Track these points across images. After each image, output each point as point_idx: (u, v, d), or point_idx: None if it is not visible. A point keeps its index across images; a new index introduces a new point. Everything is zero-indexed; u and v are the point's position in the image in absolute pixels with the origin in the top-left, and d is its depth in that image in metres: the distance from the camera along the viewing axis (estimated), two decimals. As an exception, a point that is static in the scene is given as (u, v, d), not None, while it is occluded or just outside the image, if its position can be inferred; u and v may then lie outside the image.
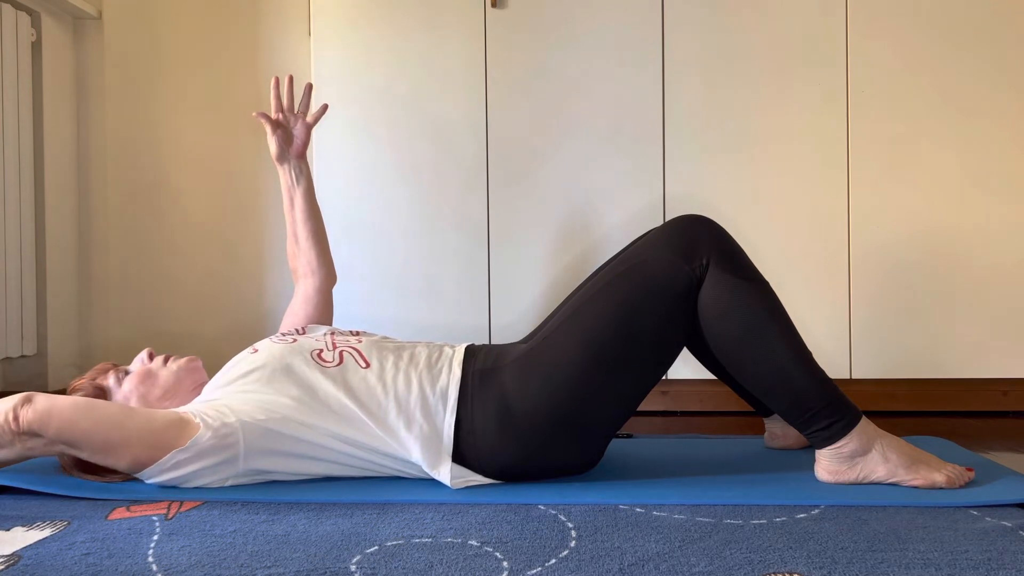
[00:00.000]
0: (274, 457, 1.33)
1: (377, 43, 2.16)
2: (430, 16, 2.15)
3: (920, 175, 2.08)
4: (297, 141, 1.67)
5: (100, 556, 1.04)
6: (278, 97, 1.66)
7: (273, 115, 1.65)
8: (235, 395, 1.34)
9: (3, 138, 2.21)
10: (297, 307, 1.71)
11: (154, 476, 1.30)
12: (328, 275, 1.74)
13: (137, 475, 1.31)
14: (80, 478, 1.38)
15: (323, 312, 1.71)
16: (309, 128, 1.68)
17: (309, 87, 1.68)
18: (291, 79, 1.66)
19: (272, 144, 1.65)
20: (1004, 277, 2.07)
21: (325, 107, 1.71)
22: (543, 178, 2.13)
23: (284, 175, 1.70)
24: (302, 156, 1.69)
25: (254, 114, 1.63)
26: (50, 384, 2.40)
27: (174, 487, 1.31)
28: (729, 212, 2.06)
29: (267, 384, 1.34)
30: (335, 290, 2.16)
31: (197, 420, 1.29)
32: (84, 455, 1.29)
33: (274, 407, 1.32)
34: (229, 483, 1.34)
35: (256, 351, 1.41)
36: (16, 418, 1.26)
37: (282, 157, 1.67)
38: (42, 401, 1.27)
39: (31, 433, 1.26)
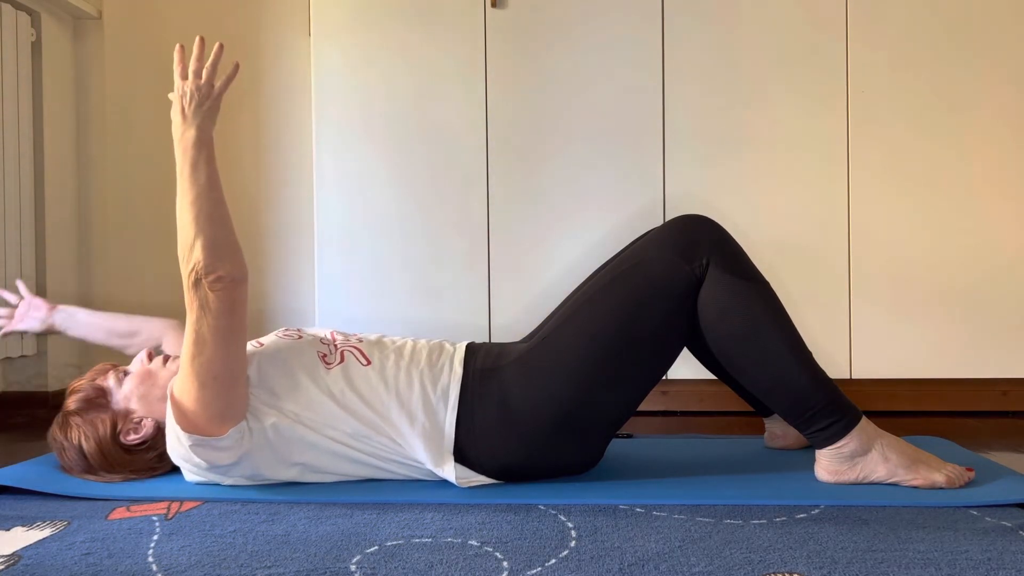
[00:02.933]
0: (279, 466, 1.33)
1: (377, 43, 2.16)
2: (430, 16, 2.15)
3: (920, 175, 2.08)
4: (36, 325, 1.69)
5: (100, 556, 1.04)
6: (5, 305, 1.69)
7: (15, 326, 1.69)
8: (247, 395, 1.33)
9: (3, 138, 2.21)
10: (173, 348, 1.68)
11: (192, 431, 1.28)
12: (167, 321, 1.72)
13: (184, 421, 1.28)
14: (80, 478, 1.38)
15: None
16: (44, 309, 1.69)
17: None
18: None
19: (32, 328, 1.68)
20: (1004, 277, 2.07)
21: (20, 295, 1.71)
22: (543, 178, 2.13)
23: (60, 324, 1.70)
24: (51, 309, 1.69)
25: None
26: (50, 384, 2.40)
27: (187, 464, 1.33)
28: (729, 212, 2.06)
29: (276, 380, 1.34)
30: (335, 290, 2.16)
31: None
32: (200, 350, 1.25)
33: (283, 408, 1.32)
34: (229, 482, 1.34)
35: (262, 344, 1.41)
36: (210, 274, 1.23)
37: (50, 325, 1.69)
38: (240, 295, 1.25)
39: (205, 291, 1.23)
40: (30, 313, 1.70)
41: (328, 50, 2.17)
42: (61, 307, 1.72)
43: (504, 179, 2.14)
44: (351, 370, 1.36)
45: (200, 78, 1.30)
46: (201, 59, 1.31)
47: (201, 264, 1.23)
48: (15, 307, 1.72)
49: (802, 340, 1.36)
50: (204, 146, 1.28)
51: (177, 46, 1.32)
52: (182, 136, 1.28)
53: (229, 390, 1.27)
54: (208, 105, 1.29)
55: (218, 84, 1.31)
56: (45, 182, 2.39)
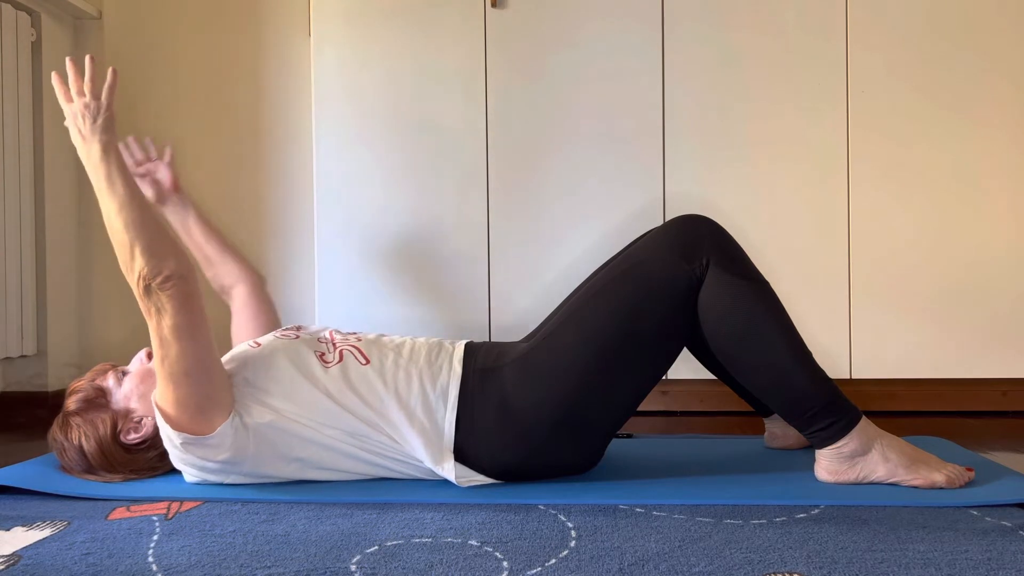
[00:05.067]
0: (279, 462, 1.33)
1: (377, 43, 2.16)
2: (430, 16, 2.15)
3: (919, 175, 2.08)
4: (165, 180, 1.74)
5: (100, 556, 1.04)
6: (131, 156, 1.74)
7: (136, 172, 1.72)
8: (242, 394, 1.33)
9: (3, 138, 2.21)
10: (241, 318, 1.72)
11: (182, 427, 1.28)
12: (253, 276, 1.76)
13: (170, 421, 1.29)
14: (80, 478, 1.38)
15: (268, 312, 1.73)
16: (169, 166, 1.75)
17: (149, 139, 1.78)
18: (134, 139, 1.76)
19: (148, 192, 1.73)
20: (1004, 277, 2.07)
21: (170, 152, 1.76)
22: (543, 178, 2.13)
23: (171, 213, 1.76)
24: (178, 189, 1.75)
25: None
26: (50, 384, 2.40)
27: (184, 463, 1.33)
28: (729, 212, 2.06)
29: (273, 381, 1.34)
30: (334, 289, 2.16)
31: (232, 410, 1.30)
32: (166, 352, 1.25)
33: (280, 408, 1.32)
34: (229, 481, 1.34)
35: (259, 345, 1.41)
36: (156, 276, 1.24)
37: (161, 198, 1.74)
38: (192, 288, 1.26)
39: (157, 294, 1.24)
40: (160, 171, 1.74)
41: (328, 50, 2.17)
42: (183, 193, 1.75)
43: (504, 179, 2.14)
44: (349, 369, 1.36)
45: (85, 96, 1.31)
46: (79, 78, 1.32)
47: (145, 269, 1.25)
48: (146, 161, 1.75)
49: (802, 340, 1.36)
50: (112, 157, 1.30)
51: (53, 74, 1.36)
52: (88, 155, 1.30)
53: (204, 383, 1.27)
54: (103, 118, 1.31)
55: (104, 96, 1.32)
56: (45, 182, 2.39)
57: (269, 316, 1.72)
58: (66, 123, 1.33)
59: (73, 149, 1.36)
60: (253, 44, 2.51)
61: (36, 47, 2.38)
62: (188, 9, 2.52)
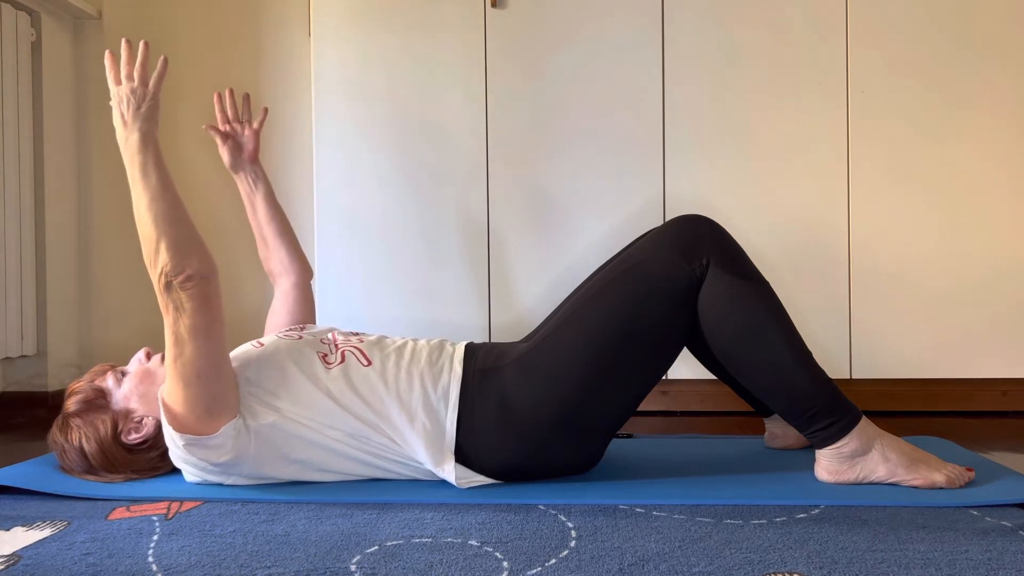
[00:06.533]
0: (279, 463, 1.33)
1: (377, 43, 2.16)
2: (430, 16, 2.15)
3: (920, 174, 2.08)
4: (248, 147, 1.73)
5: (100, 556, 1.04)
6: (223, 110, 1.72)
7: (221, 127, 1.71)
8: (244, 394, 1.33)
9: (3, 138, 2.21)
10: (278, 306, 1.72)
11: (186, 430, 1.28)
12: (302, 269, 1.76)
13: (176, 420, 1.28)
14: (80, 478, 1.38)
15: (304, 307, 1.72)
16: (256, 133, 1.73)
17: (247, 97, 1.75)
18: (231, 91, 1.73)
19: (224, 154, 1.71)
20: (1004, 277, 2.07)
21: (266, 111, 1.77)
22: (543, 178, 2.13)
23: (242, 183, 1.75)
24: (255, 160, 1.74)
25: (204, 126, 1.70)
26: (50, 384, 2.40)
27: (186, 464, 1.33)
28: (729, 212, 2.06)
29: (275, 381, 1.34)
30: (334, 289, 2.16)
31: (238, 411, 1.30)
32: (180, 350, 1.24)
33: (282, 408, 1.32)
34: (230, 482, 1.34)
35: (262, 345, 1.41)
36: (179, 274, 1.22)
37: (236, 165, 1.73)
38: (213, 289, 1.25)
39: (177, 292, 1.23)
40: (245, 134, 1.72)
41: (328, 50, 2.17)
42: (259, 166, 1.73)
43: (504, 179, 2.14)
44: (351, 370, 1.36)
45: (133, 80, 1.30)
46: (131, 62, 1.31)
47: (169, 266, 1.23)
48: (235, 120, 1.72)
49: (802, 340, 1.36)
50: (150, 148, 1.29)
51: (107, 53, 1.34)
52: (126, 142, 1.29)
53: (213, 384, 1.27)
54: (147, 106, 1.30)
55: (151, 84, 1.31)
56: (45, 182, 2.39)
57: (305, 312, 1.72)
58: (110, 103, 1.32)
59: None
60: (253, 44, 2.51)
61: (36, 47, 2.38)
62: (188, 9, 2.52)
